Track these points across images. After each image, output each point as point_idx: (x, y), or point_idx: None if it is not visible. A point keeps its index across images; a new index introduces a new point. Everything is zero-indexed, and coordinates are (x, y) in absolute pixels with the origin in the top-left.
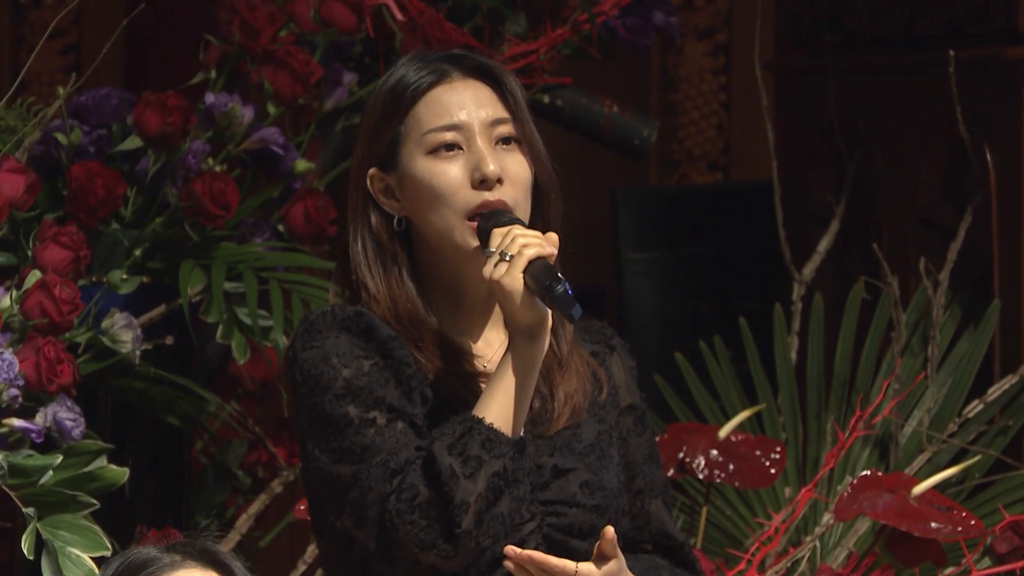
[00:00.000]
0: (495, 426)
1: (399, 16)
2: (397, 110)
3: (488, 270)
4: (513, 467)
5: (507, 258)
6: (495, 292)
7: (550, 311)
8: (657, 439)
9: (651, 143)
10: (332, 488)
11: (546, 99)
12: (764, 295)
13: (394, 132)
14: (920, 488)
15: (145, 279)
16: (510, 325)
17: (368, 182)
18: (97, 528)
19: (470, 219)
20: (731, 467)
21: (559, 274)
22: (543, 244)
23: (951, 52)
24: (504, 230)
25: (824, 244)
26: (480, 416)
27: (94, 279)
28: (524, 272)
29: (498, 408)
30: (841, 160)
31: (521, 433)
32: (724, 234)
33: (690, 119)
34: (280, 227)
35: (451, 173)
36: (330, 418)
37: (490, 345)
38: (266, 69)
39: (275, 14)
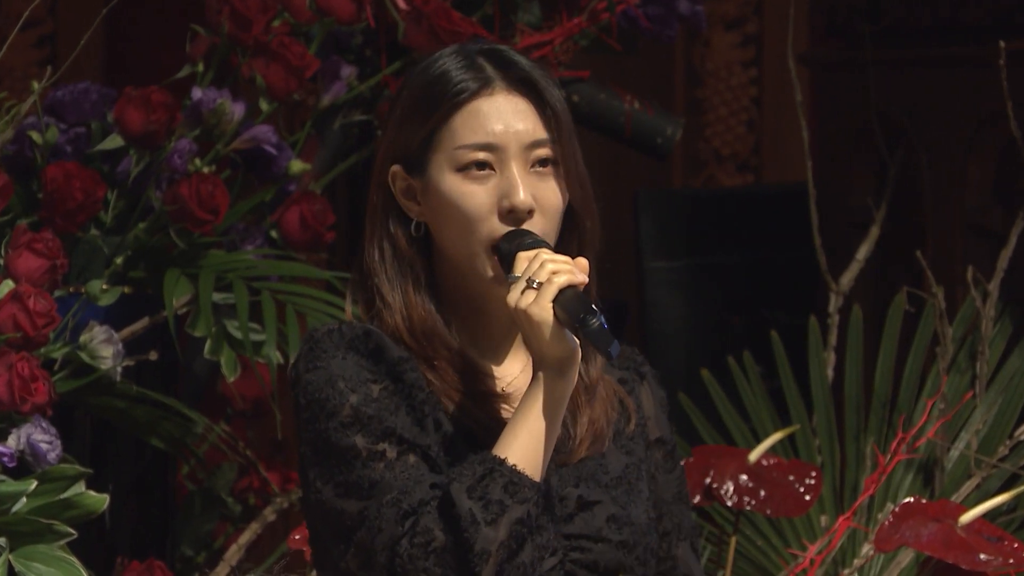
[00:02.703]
0: (518, 468)
1: (402, 5)
2: (432, 113)
3: (514, 298)
4: (537, 512)
5: (535, 285)
6: (521, 322)
7: (579, 343)
8: (683, 463)
9: (676, 142)
10: (336, 524)
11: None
12: (798, 307)
13: (426, 135)
14: (968, 517)
15: (127, 289)
16: (536, 358)
17: (390, 179)
18: (74, 560)
19: (494, 249)
20: (762, 493)
21: (593, 305)
22: (574, 271)
23: (1001, 43)
24: (531, 254)
25: (863, 251)
26: (503, 457)
27: (72, 289)
28: (554, 302)
29: (522, 448)
30: (882, 160)
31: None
32: (755, 241)
33: (718, 116)
34: (273, 233)
35: (479, 198)
36: (335, 448)
37: (512, 366)
38: (258, 62)
39: (268, 3)
